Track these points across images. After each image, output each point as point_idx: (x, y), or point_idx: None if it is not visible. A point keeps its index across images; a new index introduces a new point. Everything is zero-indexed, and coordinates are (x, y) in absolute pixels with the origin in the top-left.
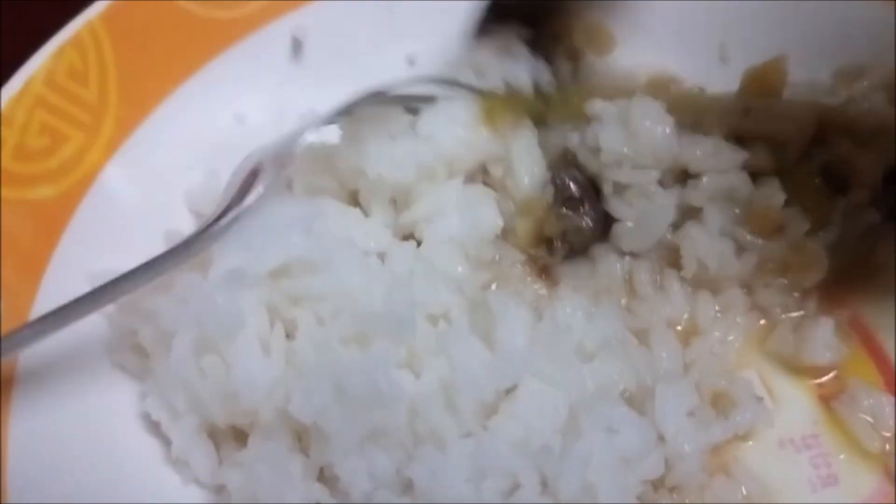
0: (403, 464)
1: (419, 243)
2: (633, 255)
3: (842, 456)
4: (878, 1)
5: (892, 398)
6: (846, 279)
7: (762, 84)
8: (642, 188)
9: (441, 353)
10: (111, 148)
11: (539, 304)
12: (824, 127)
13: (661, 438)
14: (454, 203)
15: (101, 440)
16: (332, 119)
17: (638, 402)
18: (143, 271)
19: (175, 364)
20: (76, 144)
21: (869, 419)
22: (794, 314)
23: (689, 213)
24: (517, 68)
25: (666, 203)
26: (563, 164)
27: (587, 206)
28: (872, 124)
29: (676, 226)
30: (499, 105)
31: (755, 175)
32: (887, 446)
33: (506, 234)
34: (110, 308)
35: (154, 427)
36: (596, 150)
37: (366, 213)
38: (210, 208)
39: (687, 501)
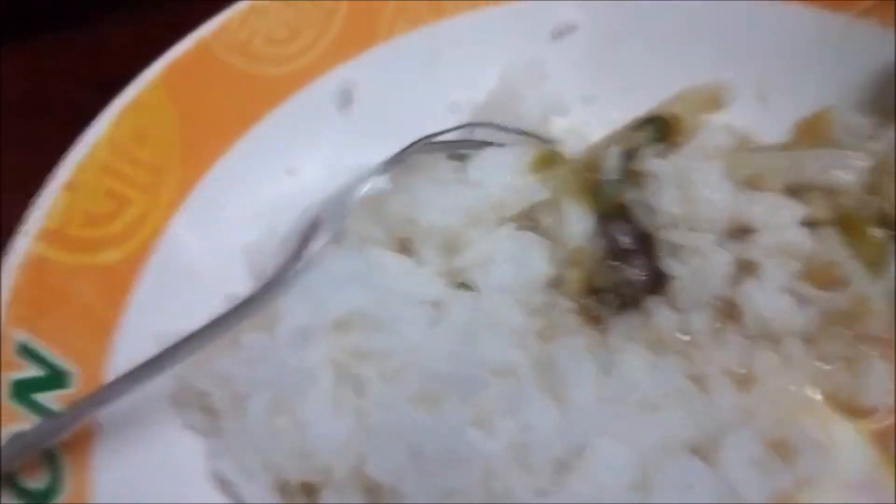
0: None
1: (468, 288)
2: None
3: None
4: None
5: None
6: None
7: (813, 134)
8: (697, 248)
9: (511, 412)
10: (172, 209)
11: (596, 354)
12: (876, 173)
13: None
14: (506, 249)
15: (173, 496)
16: (384, 169)
17: (702, 452)
18: (209, 331)
19: (251, 426)
20: (139, 207)
21: None
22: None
23: (747, 269)
24: None
25: (722, 261)
26: (616, 216)
27: (639, 261)
28: None
29: (734, 279)
30: (548, 154)
31: (811, 224)
32: None
33: (556, 283)
34: (178, 368)
35: (224, 486)
36: (650, 209)
37: (418, 262)
38: (269, 265)
39: None
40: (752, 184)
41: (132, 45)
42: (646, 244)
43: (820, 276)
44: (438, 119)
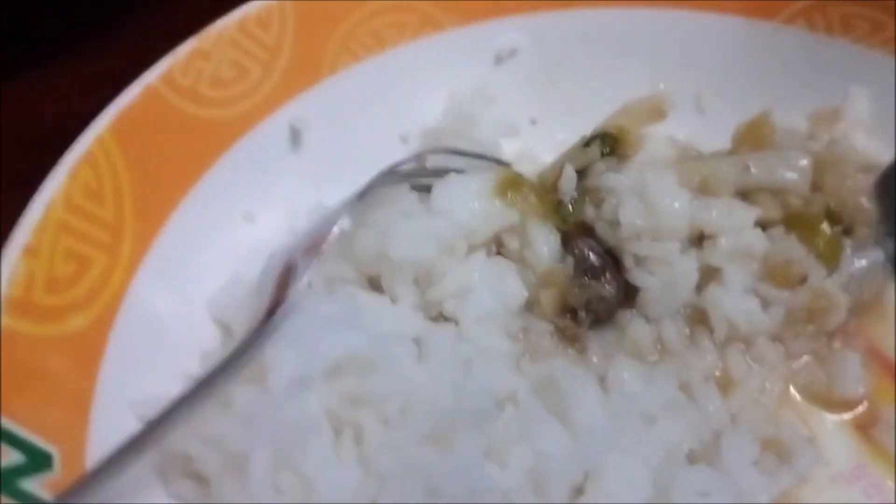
0: None
1: (446, 320)
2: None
3: (890, 483)
4: (846, 41)
5: None
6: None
7: (753, 138)
8: (663, 258)
9: (522, 440)
10: (132, 267)
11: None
12: (817, 171)
13: None
14: (481, 278)
15: None
16: (351, 207)
17: (703, 459)
18: (197, 393)
19: (256, 487)
20: (100, 267)
21: None
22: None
23: (709, 274)
24: None
25: (688, 268)
26: (580, 235)
27: (608, 275)
28: (861, 162)
29: (699, 287)
30: (510, 177)
31: (764, 226)
32: None
33: (530, 306)
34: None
35: None
36: (613, 223)
37: (392, 298)
38: (237, 316)
39: None
40: (703, 190)
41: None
42: (612, 259)
43: (780, 276)
44: (390, 151)
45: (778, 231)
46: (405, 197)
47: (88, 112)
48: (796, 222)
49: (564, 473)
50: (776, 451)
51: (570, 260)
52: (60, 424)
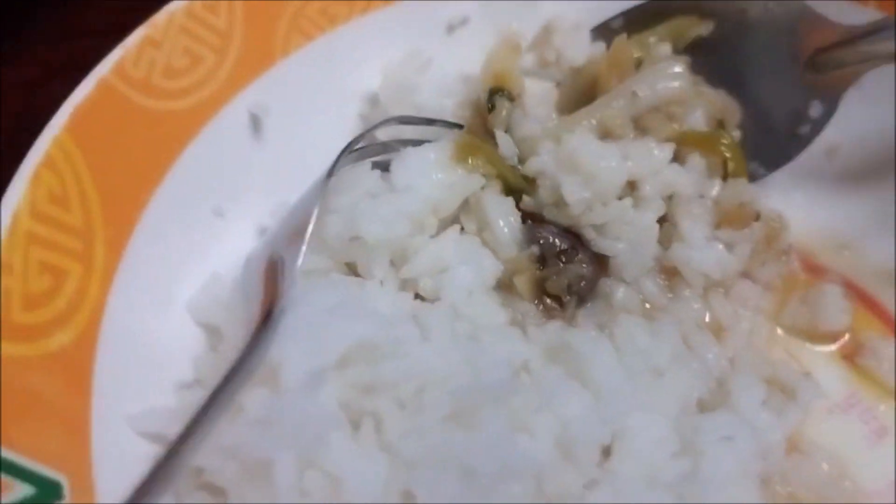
0: None
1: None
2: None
3: (882, 407)
4: None
5: None
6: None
7: (617, 65)
8: (620, 218)
9: (544, 408)
10: (108, 276)
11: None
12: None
13: None
14: (455, 254)
15: None
16: (320, 192)
17: (711, 406)
18: (211, 407)
19: (284, 492)
20: (76, 278)
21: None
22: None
23: (668, 232)
24: None
25: (647, 223)
26: (537, 222)
27: (580, 254)
28: None
29: (664, 246)
30: (466, 141)
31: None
32: None
33: (505, 287)
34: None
35: None
36: (559, 204)
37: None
38: (222, 316)
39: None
40: (606, 135)
41: None
42: (574, 235)
43: (735, 219)
44: (352, 128)
45: (691, 161)
46: (367, 176)
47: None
48: (698, 144)
49: (592, 436)
50: (780, 389)
51: (535, 250)
52: (63, 450)
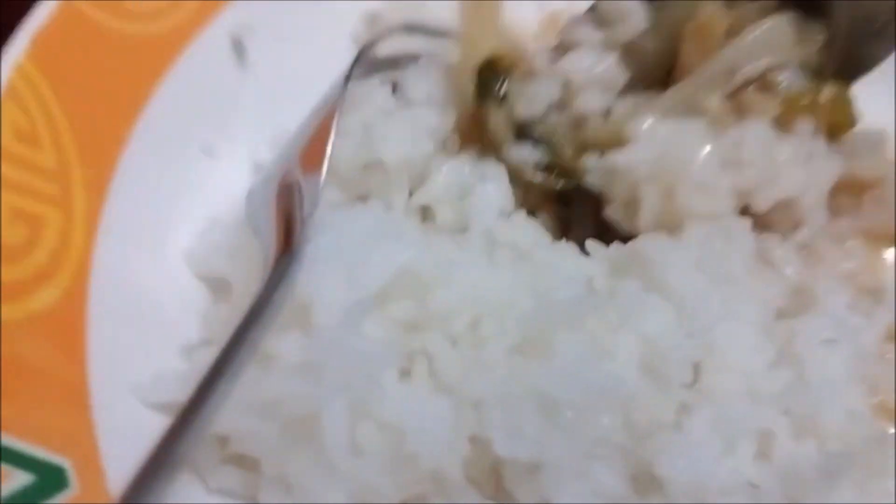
0: (630, 469)
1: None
2: None
3: None
4: None
5: None
6: None
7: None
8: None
9: (623, 327)
10: (91, 223)
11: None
12: None
13: None
14: (476, 173)
15: None
16: (341, 95)
17: (793, 311)
18: (230, 362)
19: (335, 450)
20: (56, 226)
21: None
22: None
23: None
24: None
25: None
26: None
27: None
28: None
29: None
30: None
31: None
32: None
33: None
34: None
35: None
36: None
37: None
38: (227, 264)
39: None
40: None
41: None
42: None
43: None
44: (343, 47)
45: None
46: (378, 93)
47: None
48: (799, 107)
49: (680, 353)
50: (865, 291)
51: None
52: (62, 428)
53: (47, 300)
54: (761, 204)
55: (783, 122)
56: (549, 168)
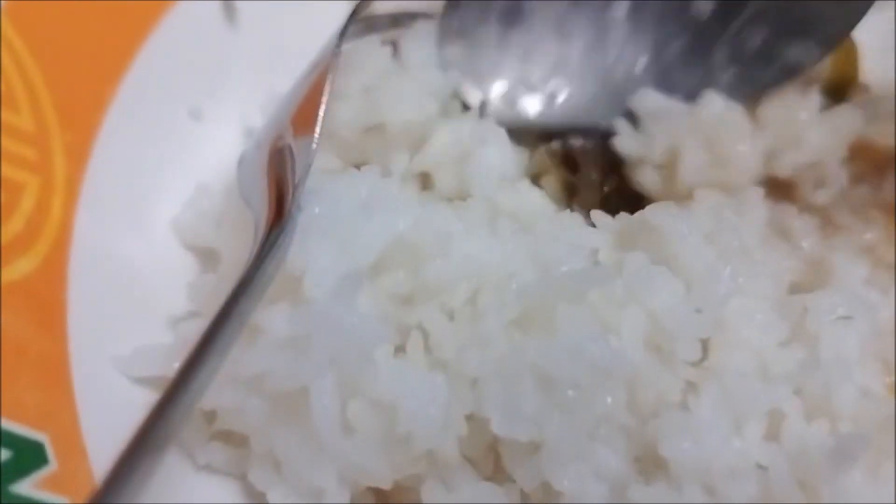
0: (634, 450)
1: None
2: None
3: None
4: None
5: None
6: None
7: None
8: None
9: (628, 301)
10: (72, 189)
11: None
12: None
13: None
14: (476, 137)
15: None
16: (334, 56)
17: (806, 289)
18: (218, 335)
19: (325, 428)
20: (34, 192)
21: None
22: None
23: None
24: None
25: None
26: None
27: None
28: None
29: None
30: None
31: None
32: None
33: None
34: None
35: None
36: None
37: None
38: (215, 234)
39: None
40: None
41: None
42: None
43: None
44: (337, 6)
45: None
46: (378, 54)
47: None
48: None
49: (688, 330)
50: (883, 266)
51: (556, 145)
52: (41, 402)
53: (25, 269)
54: (785, 168)
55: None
56: None
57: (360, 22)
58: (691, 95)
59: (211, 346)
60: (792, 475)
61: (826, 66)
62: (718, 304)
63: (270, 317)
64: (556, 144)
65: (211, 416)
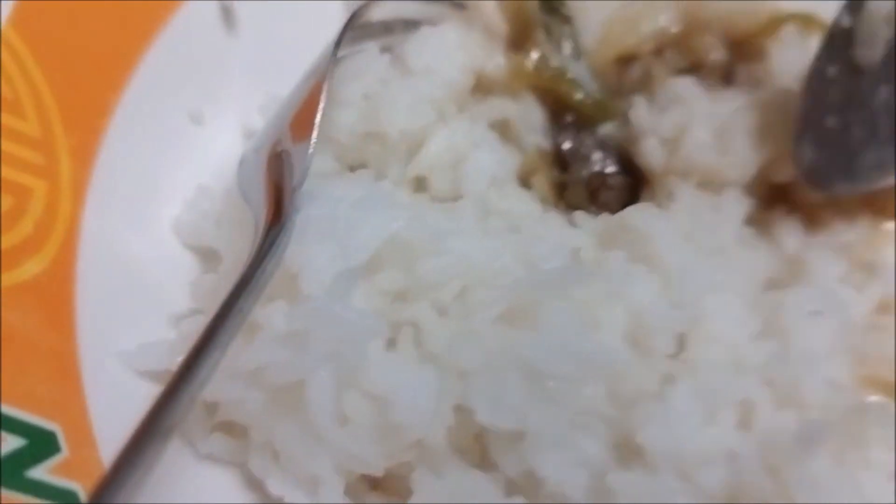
0: (613, 438)
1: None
2: None
3: None
4: None
5: None
6: None
7: None
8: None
9: (610, 297)
10: (79, 192)
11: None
12: None
13: None
14: (468, 140)
15: None
16: (331, 63)
17: (782, 285)
18: (220, 330)
19: (321, 419)
20: (42, 196)
21: None
22: None
23: None
24: None
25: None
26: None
27: (608, 164)
28: None
29: None
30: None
31: None
32: None
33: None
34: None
35: None
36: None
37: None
38: (215, 234)
39: None
40: None
41: None
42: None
43: None
44: (334, 10)
45: None
46: (377, 61)
47: None
48: None
49: (665, 324)
50: (858, 265)
51: (549, 146)
52: (52, 395)
53: (35, 270)
54: (784, 175)
55: None
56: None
57: (357, 29)
58: None
59: (212, 342)
60: (761, 461)
61: None
62: (695, 299)
63: (269, 313)
64: (546, 144)
65: (212, 408)
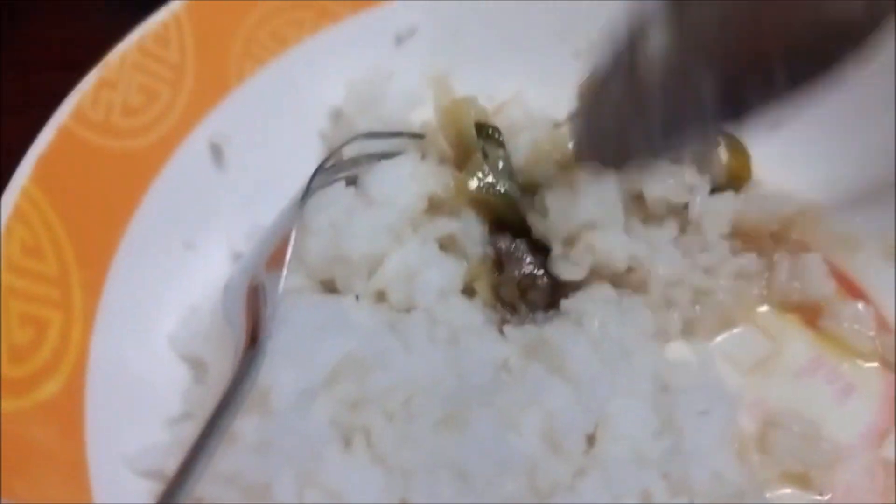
0: None
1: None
2: None
3: (845, 365)
4: None
5: (863, 303)
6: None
7: None
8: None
9: (529, 404)
10: (88, 319)
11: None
12: None
13: None
14: (419, 261)
15: None
16: (299, 210)
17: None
18: (207, 439)
19: None
20: (58, 325)
21: (854, 326)
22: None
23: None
24: None
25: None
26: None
27: (533, 263)
28: None
29: None
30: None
31: None
32: (876, 343)
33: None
34: None
35: None
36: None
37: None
38: (204, 348)
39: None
40: None
41: None
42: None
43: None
44: (313, 149)
45: None
46: (343, 195)
47: None
48: None
49: (576, 426)
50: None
51: (490, 252)
52: (64, 496)
53: (51, 390)
54: None
55: None
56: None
57: (326, 170)
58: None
59: (201, 450)
60: None
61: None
62: (602, 403)
63: (243, 425)
64: (488, 250)
65: (200, 501)
